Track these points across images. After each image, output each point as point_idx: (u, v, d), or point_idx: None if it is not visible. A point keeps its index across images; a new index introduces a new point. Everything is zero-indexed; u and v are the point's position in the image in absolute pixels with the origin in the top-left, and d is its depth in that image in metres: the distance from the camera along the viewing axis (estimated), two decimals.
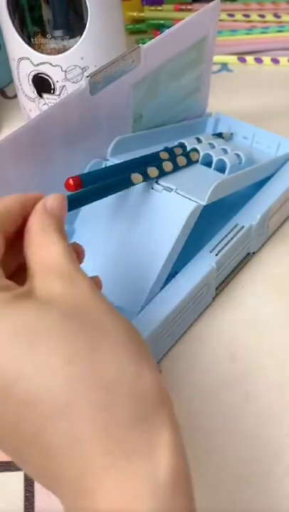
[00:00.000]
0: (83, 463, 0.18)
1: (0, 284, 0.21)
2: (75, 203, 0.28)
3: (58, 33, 0.42)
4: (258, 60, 0.60)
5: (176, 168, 0.35)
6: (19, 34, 0.43)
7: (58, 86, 0.44)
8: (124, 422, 0.19)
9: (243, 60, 0.60)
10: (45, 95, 0.45)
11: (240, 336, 0.34)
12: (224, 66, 0.60)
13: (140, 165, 0.34)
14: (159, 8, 0.66)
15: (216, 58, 0.60)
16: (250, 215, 0.36)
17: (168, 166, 0.34)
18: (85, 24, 0.42)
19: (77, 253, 0.26)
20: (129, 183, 0.32)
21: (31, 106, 0.47)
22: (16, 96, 0.53)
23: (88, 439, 0.18)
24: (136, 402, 0.19)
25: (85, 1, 0.41)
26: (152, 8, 0.66)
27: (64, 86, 0.44)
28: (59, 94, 0.45)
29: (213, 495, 0.28)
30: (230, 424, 0.30)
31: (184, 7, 0.65)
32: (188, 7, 0.65)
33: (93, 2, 0.41)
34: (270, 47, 0.61)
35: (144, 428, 0.19)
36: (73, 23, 0.42)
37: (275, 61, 0.59)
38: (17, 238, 0.24)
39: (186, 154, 0.37)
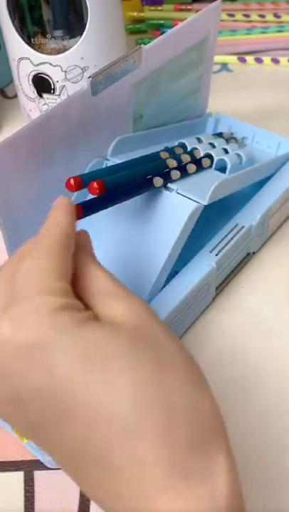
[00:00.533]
0: (144, 483, 0.19)
1: (75, 305, 0.22)
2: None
3: (58, 33, 0.42)
4: (258, 60, 0.60)
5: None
6: (19, 34, 0.43)
7: (58, 86, 0.44)
8: (185, 446, 0.19)
9: (243, 60, 0.60)
10: (45, 95, 0.45)
11: (240, 336, 0.34)
12: (224, 66, 0.60)
13: (141, 165, 0.34)
14: (159, 8, 0.66)
15: (216, 58, 0.60)
16: (250, 215, 0.36)
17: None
18: (85, 24, 0.42)
19: (85, 241, 0.27)
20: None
21: (31, 106, 0.47)
22: (16, 96, 0.53)
23: (151, 461, 0.19)
24: (196, 428, 0.20)
25: (85, 1, 0.41)
26: (152, 8, 0.66)
27: (64, 86, 0.44)
28: (59, 94, 0.45)
29: None
30: (231, 423, 0.30)
31: (184, 7, 0.65)
32: (188, 7, 0.65)
33: (93, 2, 0.41)
34: (270, 47, 0.61)
35: (203, 453, 0.19)
36: (73, 23, 0.42)
37: (275, 61, 0.59)
38: None
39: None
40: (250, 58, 0.60)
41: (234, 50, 0.61)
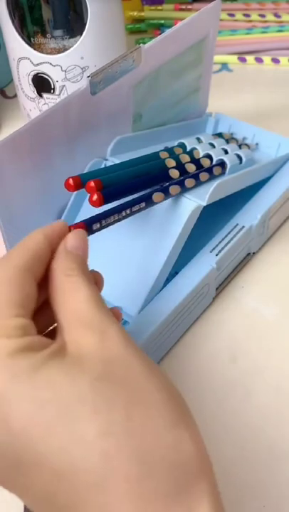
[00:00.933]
0: None
1: (33, 343, 0.20)
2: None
3: (58, 32, 0.42)
4: (258, 60, 0.60)
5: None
6: (19, 34, 0.43)
7: (57, 86, 0.44)
8: (163, 494, 0.18)
9: (243, 60, 0.60)
10: (45, 95, 0.45)
11: (240, 336, 0.34)
12: (224, 66, 0.60)
13: (139, 165, 0.34)
14: (159, 7, 0.66)
15: (216, 58, 0.60)
16: (251, 215, 0.36)
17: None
18: (85, 24, 0.42)
19: (96, 283, 0.24)
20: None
21: (31, 106, 0.47)
22: (15, 96, 0.53)
23: None
24: (175, 473, 0.18)
25: (85, 1, 0.41)
26: (152, 7, 0.66)
27: (64, 86, 0.44)
28: (59, 94, 0.45)
29: None
30: (231, 423, 0.30)
31: (184, 7, 0.65)
32: (189, 7, 0.65)
33: (93, 2, 0.41)
34: (270, 47, 0.61)
35: (183, 500, 0.18)
36: (73, 23, 0.42)
37: (276, 61, 0.59)
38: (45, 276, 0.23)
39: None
40: (250, 58, 0.60)
41: (234, 50, 0.61)
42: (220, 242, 0.35)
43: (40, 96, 0.45)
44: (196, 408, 0.31)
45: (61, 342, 0.21)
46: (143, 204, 0.31)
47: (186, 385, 0.32)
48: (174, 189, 0.32)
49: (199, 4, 0.65)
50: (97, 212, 0.28)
